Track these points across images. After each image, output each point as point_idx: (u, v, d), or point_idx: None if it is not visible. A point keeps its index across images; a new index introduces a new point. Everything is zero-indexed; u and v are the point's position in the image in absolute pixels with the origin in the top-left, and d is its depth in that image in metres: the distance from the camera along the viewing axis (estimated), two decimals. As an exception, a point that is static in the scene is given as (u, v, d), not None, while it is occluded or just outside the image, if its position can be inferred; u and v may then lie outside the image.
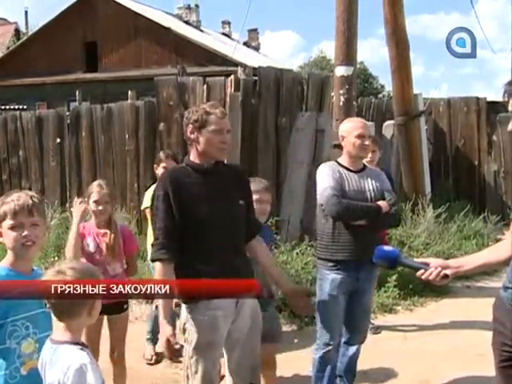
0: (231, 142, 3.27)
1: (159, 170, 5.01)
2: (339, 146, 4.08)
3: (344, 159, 3.97)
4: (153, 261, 3.09)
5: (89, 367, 2.17)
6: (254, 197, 3.62)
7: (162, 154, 5.20)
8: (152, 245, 3.12)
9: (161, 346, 3.06)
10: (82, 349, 2.25)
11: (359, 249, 3.76)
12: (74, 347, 2.24)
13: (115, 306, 3.91)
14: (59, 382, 2.17)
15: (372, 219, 3.81)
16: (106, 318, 3.97)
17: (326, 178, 3.86)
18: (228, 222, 3.11)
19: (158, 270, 3.03)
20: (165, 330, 2.95)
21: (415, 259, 2.88)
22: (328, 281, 3.83)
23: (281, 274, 3.42)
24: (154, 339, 5.07)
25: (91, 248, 3.99)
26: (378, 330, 5.74)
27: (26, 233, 2.41)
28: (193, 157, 3.18)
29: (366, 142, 3.89)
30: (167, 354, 3.05)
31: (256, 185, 3.75)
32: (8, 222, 2.42)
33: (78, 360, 2.18)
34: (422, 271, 2.60)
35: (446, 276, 2.59)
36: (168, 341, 2.93)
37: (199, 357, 3.08)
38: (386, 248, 2.79)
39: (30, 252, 2.45)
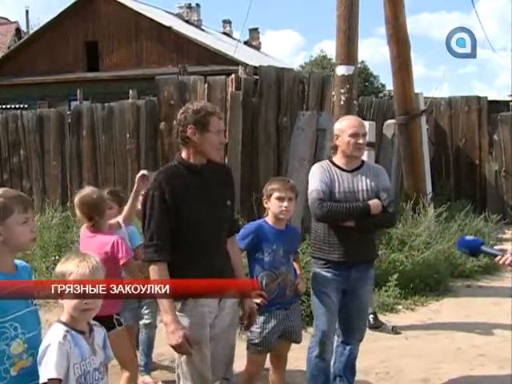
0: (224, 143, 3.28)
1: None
2: (336, 148, 4.04)
3: (338, 158, 3.92)
4: (148, 261, 3.03)
5: (55, 346, 2.28)
6: (276, 194, 3.69)
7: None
8: (145, 245, 3.07)
9: (175, 342, 2.91)
10: (67, 331, 2.34)
11: (351, 250, 3.76)
12: (58, 325, 2.37)
13: (104, 321, 3.72)
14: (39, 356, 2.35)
15: (361, 220, 3.76)
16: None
17: (313, 180, 3.83)
18: (216, 223, 3.12)
19: (154, 270, 2.99)
20: (178, 326, 2.91)
21: (495, 247, 3.04)
22: (319, 278, 3.86)
23: (243, 276, 3.41)
24: (146, 366, 4.61)
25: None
26: (394, 328, 5.71)
27: None
28: (186, 155, 3.15)
29: (360, 141, 3.83)
30: (182, 351, 2.96)
31: (279, 183, 3.79)
32: None
33: (49, 338, 2.33)
34: (499, 257, 2.80)
35: None
36: (185, 336, 2.88)
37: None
38: (469, 238, 3.09)
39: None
